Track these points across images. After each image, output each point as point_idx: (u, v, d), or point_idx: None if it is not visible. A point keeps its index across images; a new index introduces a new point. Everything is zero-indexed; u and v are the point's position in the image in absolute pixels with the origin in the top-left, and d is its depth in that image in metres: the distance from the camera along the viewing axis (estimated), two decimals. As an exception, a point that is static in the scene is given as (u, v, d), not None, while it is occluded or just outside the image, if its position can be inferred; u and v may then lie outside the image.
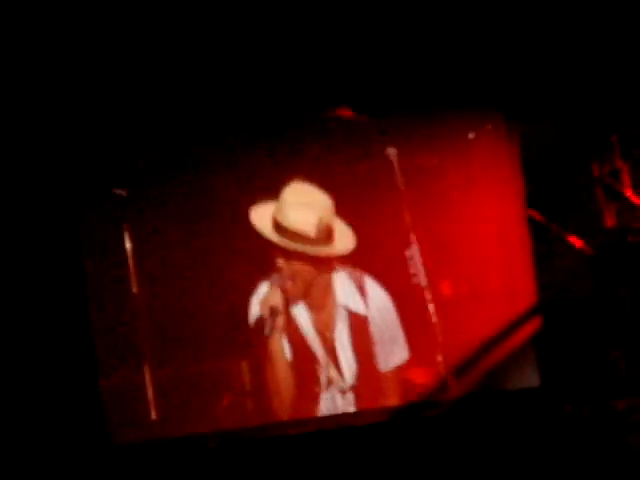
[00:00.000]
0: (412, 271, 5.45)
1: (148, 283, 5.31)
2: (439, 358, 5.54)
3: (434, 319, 5.48)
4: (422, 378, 5.55)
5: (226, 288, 5.37)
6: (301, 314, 5.34)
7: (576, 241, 5.75)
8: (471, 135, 5.73)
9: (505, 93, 5.73)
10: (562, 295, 5.70)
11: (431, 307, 5.48)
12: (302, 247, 5.17)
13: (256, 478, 5.13)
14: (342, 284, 5.40)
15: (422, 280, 5.46)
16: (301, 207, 5.21)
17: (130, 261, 5.27)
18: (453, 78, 5.63)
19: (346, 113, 5.56)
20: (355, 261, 5.41)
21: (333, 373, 5.35)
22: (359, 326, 5.40)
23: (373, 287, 5.44)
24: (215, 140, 5.46)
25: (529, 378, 5.66)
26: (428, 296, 5.47)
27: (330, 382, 5.36)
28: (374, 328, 5.43)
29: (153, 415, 5.21)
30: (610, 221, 5.74)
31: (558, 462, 5.34)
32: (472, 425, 5.46)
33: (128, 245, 5.29)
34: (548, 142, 5.75)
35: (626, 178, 5.70)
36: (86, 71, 5.23)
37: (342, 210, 5.38)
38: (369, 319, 5.42)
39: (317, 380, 5.35)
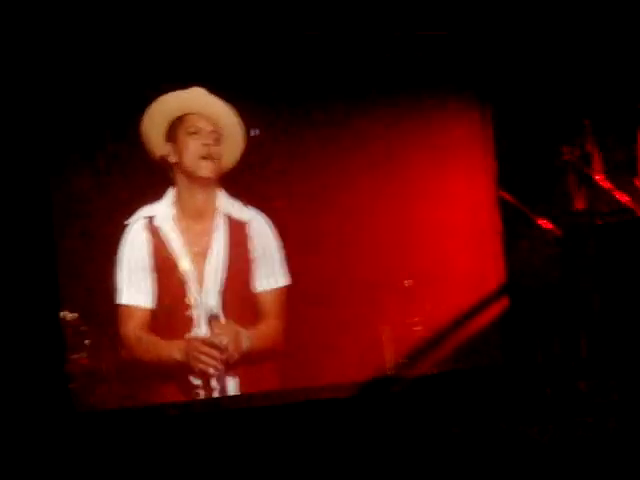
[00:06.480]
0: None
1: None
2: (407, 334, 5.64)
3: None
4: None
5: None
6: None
7: (545, 223, 5.79)
8: (444, 115, 5.78)
9: (478, 73, 5.77)
10: (530, 276, 5.76)
11: (407, 283, 5.61)
12: None
13: (214, 448, 5.17)
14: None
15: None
16: None
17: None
18: (427, 57, 5.65)
19: None
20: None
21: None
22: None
23: None
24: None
25: (493, 357, 5.72)
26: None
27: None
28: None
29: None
30: (579, 204, 5.78)
31: (518, 439, 5.39)
32: (435, 401, 5.51)
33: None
34: (521, 124, 5.79)
35: (596, 162, 5.74)
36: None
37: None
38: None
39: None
